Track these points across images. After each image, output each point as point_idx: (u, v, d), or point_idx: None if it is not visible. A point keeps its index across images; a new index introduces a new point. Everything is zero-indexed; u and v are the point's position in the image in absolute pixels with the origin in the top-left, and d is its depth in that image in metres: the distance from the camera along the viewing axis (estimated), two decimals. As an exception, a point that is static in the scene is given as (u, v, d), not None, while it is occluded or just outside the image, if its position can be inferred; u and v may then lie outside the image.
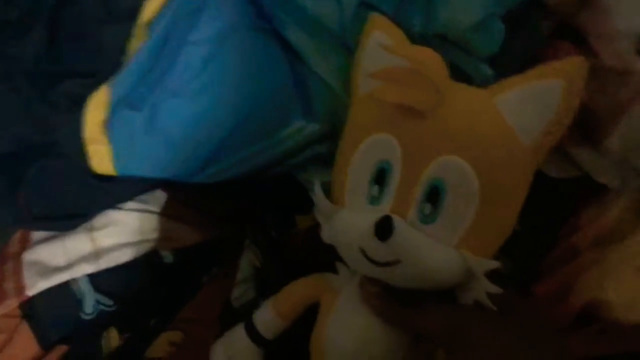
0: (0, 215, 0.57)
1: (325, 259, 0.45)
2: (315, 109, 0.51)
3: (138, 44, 0.54)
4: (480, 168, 0.38)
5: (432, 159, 0.39)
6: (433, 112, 0.39)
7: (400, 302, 0.41)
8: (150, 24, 0.54)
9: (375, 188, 0.41)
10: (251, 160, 0.51)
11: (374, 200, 0.41)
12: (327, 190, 0.45)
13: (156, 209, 0.62)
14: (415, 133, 0.40)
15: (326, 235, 0.45)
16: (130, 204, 0.60)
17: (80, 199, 0.57)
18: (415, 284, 0.40)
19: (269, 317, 0.46)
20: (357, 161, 0.43)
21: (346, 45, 0.51)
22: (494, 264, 0.39)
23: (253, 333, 0.47)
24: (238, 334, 0.47)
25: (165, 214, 0.61)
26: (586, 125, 0.50)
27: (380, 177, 0.41)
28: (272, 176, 0.54)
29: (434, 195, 0.39)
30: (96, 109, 0.52)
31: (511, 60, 0.51)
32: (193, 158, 0.51)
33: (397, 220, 0.38)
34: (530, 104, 0.39)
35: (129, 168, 0.53)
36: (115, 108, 0.52)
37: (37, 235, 0.61)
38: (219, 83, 0.50)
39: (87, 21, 0.53)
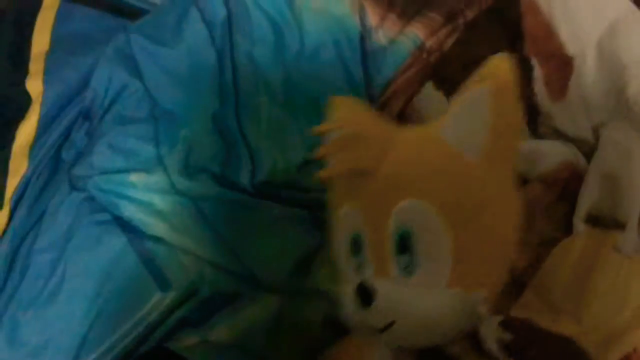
0: None
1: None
2: (168, 279, 0.53)
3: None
4: (436, 200, 0.38)
5: (390, 211, 0.38)
6: (379, 165, 0.39)
7: None
8: (-4, 246, 0.56)
9: (354, 259, 0.40)
10: (118, 345, 0.52)
11: (358, 270, 0.40)
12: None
13: None
14: (369, 193, 0.39)
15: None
16: None
17: None
18: (424, 340, 0.38)
19: None
20: (336, 242, 0.42)
21: (184, 204, 0.55)
22: (483, 293, 0.38)
23: None
24: None
25: None
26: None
27: (356, 246, 0.40)
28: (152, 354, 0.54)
29: (405, 244, 0.38)
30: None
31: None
32: (60, 362, 0.52)
33: (377, 282, 0.37)
34: (463, 120, 0.39)
35: (-1, 392, 0.52)
36: (-29, 335, 0.52)
37: None
38: (70, 282, 0.53)
39: None
